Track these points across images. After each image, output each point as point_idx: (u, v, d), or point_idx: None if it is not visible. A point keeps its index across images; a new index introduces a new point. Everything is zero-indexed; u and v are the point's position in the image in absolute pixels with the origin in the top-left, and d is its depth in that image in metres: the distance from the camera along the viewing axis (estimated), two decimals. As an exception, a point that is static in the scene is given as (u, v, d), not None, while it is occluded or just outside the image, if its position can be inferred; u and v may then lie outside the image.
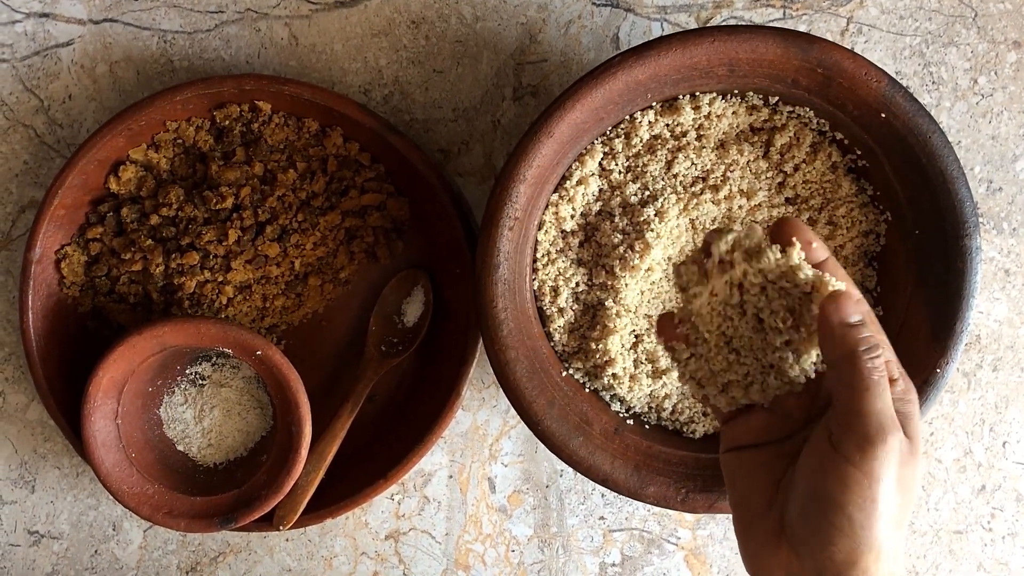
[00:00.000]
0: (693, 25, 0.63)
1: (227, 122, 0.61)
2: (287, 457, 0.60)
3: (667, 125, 0.58)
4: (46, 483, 0.66)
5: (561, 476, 0.66)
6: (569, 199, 0.58)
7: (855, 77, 0.54)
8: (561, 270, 0.59)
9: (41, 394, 0.60)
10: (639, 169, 0.58)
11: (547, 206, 0.58)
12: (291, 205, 0.61)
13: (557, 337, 0.60)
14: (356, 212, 0.62)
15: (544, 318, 0.60)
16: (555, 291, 0.59)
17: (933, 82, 0.63)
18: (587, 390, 0.60)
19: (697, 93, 0.57)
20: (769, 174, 0.58)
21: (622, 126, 0.58)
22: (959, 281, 0.54)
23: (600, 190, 0.58)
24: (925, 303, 0.55)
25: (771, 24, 0.63)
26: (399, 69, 0.63)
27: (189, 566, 0.67)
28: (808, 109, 0.57)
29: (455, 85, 0.64)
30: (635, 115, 0.57)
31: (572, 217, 0.58)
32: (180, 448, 0.63)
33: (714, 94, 0.57)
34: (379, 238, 0.63)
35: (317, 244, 0.62)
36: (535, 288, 0.59)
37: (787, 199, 0.59)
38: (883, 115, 0.54)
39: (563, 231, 0.59)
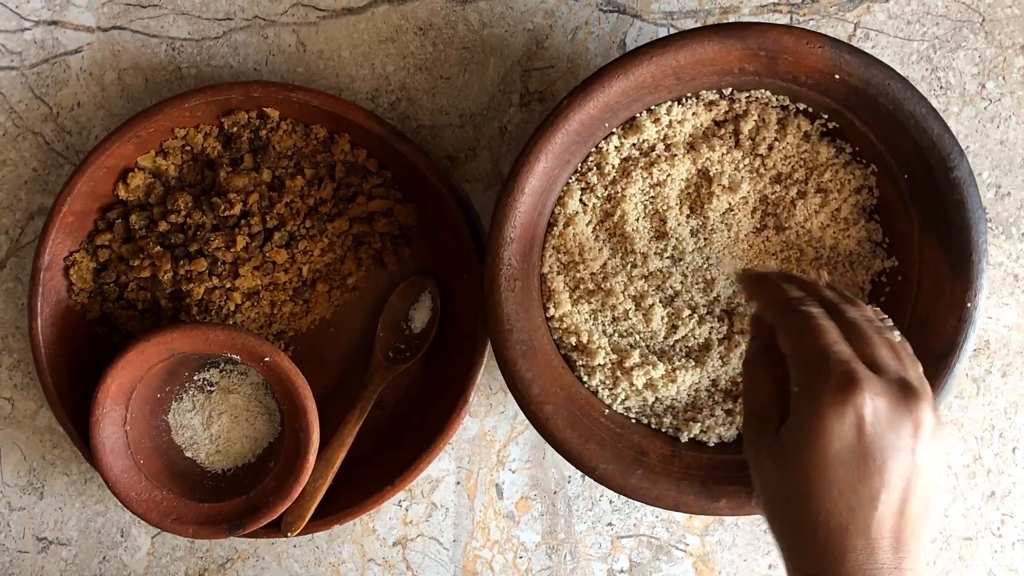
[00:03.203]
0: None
1: (235, 129, 0.61)
2: (295, 463, 0.60)
3: (634, 144, 0.58)
4: (54, 489, 0.67)
5: (569, 482, 0.66)
6: (562, 242, 0.58)
7: (798, 50, 0.53)
8: (580, 310, 0.59)
9: (50, 400, 0.61)
10: (619, 196, 0.58)
11: (543, 255, 0.58)
12: (299, 211, 0.61)
13: (593, 381, 0.60)
14: (364, 218, 0.62)
15: (571, 363, 0.60)
16: (576, 333, 0.59)
17: (941, 87, 0.63)
18: (633, 421, 0.60)
19: (653, 107, 0.57)
20: (746, 161, 0.58)
21: (591, 159, 0.58)
22: (961, 212, 0.54)
23: (589, 221, 0.59)
24: (936, 242, 0.55)
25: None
26: (406, 75, 0.64)
27: (197, 572, 0.67)
28: (764, 90, 0.57)
29: (462, 91, 0.64)
30: (600, 145, 0.58)
31: (570, 259, 0.59)
32: (188, 454, 0.63)
33: (669, 103, 0.57)
34: (386, 244, 0.63)
35: (325, 250, 0.62)
36: (556, 338, 0.59)
37: (771, 179, 0.59)
38: (836, 76, 0.54)
39: (567, 272, 0.59)
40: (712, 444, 0.59)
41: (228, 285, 0.61)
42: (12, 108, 0.64)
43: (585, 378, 0.59)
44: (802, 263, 0.59)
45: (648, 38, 0.63)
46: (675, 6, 0.63)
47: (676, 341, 0.60)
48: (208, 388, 0.63)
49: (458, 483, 0.66)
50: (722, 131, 0.58)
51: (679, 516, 0.66)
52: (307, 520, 0.62)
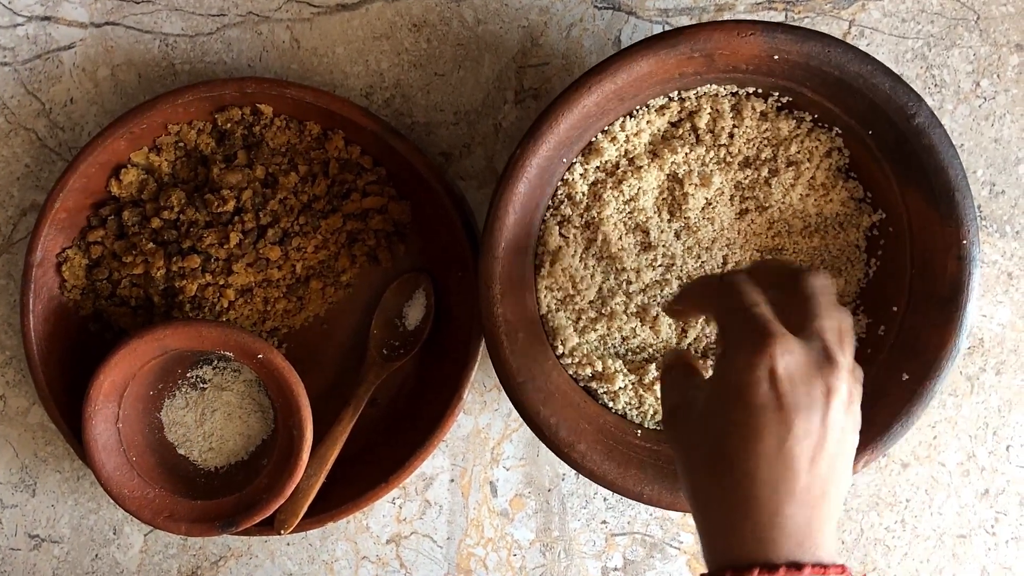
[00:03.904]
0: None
1: (229, 125, 0.61)
2: (288, 461, 0.59)
3: (597, 167, 0.58)
4: (47, 487, 0.66)
5: (563, 480, 0.66)
6: (553, 280, 0.58)
7: (731, 43, 0.53)
8: (588, 340, 0.59)
9: (42, 398, 0.60)
10: (596, 220, 0.58)
11: (537, 297, 0.59)
12: (293, 208, 0.61)
13: (618, 405, 0.60)
14: (358, 215, 0.62)
15: (592, 393, 0.60)
16: (590, 364, 0.59)
17: (935, 85, 0.63)
18: None
19: (606, 128, 0.57)
20: (711, 154, 0.58)
21: (560, 192, 0.58)
22: (933, 156, 0.54)
23: (574, 253, 0.59)
24: (916, 189, 0.55)
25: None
26: (400, 72, 0.63)
27: (190, 570, 0.67)
28: (710, 85, 0.57)
29: (457, 88, 0.64)
30: (565, 177, 0.58)
31: (565, 294, 0.59)
32: (181, 452, 0.63)
33: (622, 118, 0.57)
34: (381, 241, 0.63)
35: (318, 247, 0.62)
36: (571, 373, 0.59)
37: (740, 165, 0.59)
38: (776, 57, 0.54)
39: (566, 307, 0.59)
40: None
41: (221, 282, 0.61)
42: (4, 104, 0.64)
43: (610, 404, 0.59)
44: (792, 235, 0.59)
45: (643, 35, 0.63)
46: (670, 3, 0.63)
47: (689, 344, 0.60)
48: (201, 385, 0.63)
49: (452, 480, 0.66)
50: (680, 131, 0.59)
51: (673, 514, 0.66)
52: (300, 518, 0.62)
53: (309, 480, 0.61)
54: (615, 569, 0.66)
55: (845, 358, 0.44)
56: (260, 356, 0.59)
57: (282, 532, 0.62)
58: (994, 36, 0.63)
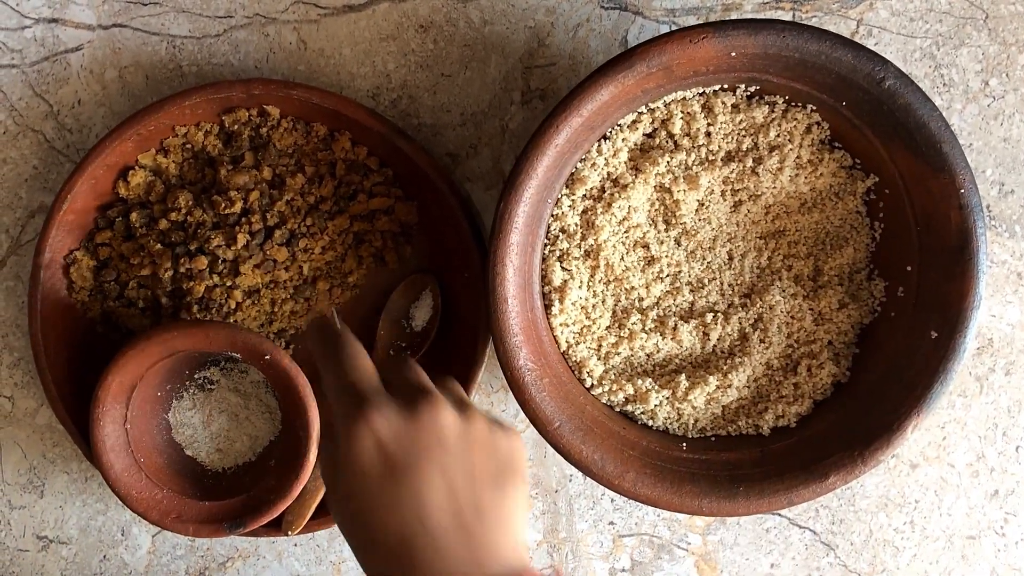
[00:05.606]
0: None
1: (236, 127, 0.61)
2: (295, 462, 0.59)
3: (584, 196, 0.59)
4: (55, 488, 0.66)
5: (571, 481, 0.66)
6: (566, 315, 0.59)
7: (685, 51, 0.53)
8: (613, 365, 0.59)
9: (50, 399, 0.61)
10: (595, 247, 0.58)
11: (554, 336, 0.59)
12: (299, 209, 0.61)
13: (658, 422, 0.60)
14: (364, 216, 0.62)
15: (630, 416, 0.60)
16: (621, 389, 0.59)
17: (944, 84, 0.63)
18: (713, 439, 0.60)
19: (583, 156, 0.58)
20: (692, 157, 0.58)
21: (553, 227, 0.59)
22: (912, 113, 0.54)
23: (580, 284, 0.59)
24: (903, 148, 0.55)
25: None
26: (407, 73, 0.63)
27: (198, 571, 0.67)
28: (676, 92, 0.57)
29: (463, 89, 0.64)
30: (554, 212, 0.58)
31: (581, 326, 0.59)
32: (189, 453, 0.63)
33: (597, 143, 0.58)
34: (387, 242, 0.63)
35: (325, 248, 0.62)
36: (605, 402, 0.59)
37: (723, 160, 0.59)
38: (733, 54, 0.54)
39: (584, 339, 0.59)
40: (795, 425, 0.59)
41: (229, 283, 0.61)
42: (12, 106, 0.64)
43: (650, 423, 0.59)
44: (792, 216, 0.59)
45: (650, 35, 0.63)
46: (677, 3, 0.63)
47: (714, 346, 0.60)
48: (209, 386, 0.63)
49: (459, 482, 0.66)
50: (657, 140, 0.59)
51: (681, 515, 0.66)
52: (308, 519, 0.62)
53: (316, 481, 0.61)
54: (623, 570, 0.66)
55: (433, 392, 0.44)
56: (267, 357, 0.59)
57: (289, 533, 0.62)
58: (1003, 35, 0.62)
